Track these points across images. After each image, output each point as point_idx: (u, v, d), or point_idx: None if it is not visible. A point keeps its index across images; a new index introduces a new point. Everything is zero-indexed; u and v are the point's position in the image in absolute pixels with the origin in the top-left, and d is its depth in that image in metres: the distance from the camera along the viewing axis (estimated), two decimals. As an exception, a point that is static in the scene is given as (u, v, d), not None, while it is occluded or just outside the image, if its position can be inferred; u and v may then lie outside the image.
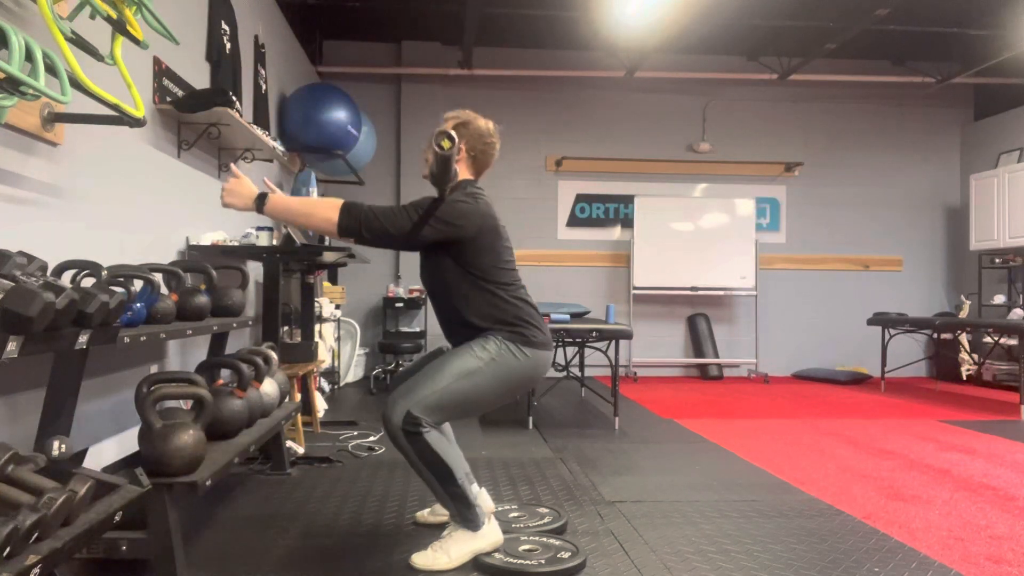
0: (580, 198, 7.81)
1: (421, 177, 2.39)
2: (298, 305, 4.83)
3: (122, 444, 2.88)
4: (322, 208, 2.28)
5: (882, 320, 6.87)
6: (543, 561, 2.30)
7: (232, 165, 2.62)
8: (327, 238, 6.49)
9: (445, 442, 2.31)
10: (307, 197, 2.38)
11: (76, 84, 2.07)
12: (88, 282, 1.97)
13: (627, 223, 7.72)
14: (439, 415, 2.28)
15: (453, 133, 2.16)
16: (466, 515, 2.33)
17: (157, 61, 3.26)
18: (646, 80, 7.48)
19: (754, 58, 7.53)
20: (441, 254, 2.37)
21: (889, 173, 8.06)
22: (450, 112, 2.55)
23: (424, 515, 2.75)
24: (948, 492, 3.30)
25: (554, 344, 4.72)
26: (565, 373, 5.21)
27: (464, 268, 2.35)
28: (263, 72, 5.10)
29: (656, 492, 3.22)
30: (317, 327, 5.05)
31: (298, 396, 4.13)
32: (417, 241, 2.31)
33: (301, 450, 3.76)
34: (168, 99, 3.34)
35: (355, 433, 4.38)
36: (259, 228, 3.97)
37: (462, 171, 2.48)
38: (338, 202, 2.27)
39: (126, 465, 2.21)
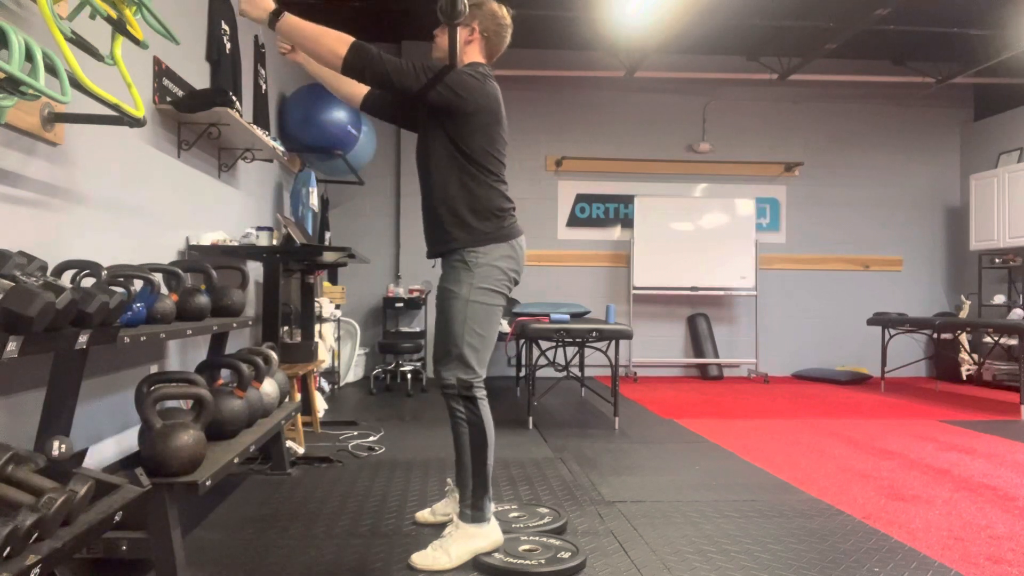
0: (580, 198, 7.81)
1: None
2: (298, 305, 4.83)
3: (122, 444, 2.88)
4: (332, 39, 2.25)
5: (882, 320, 6.87)
6: (543, 561, 2.30)
7: None
8: (326, 239, 6.50)
9: (491, 419, 2.41)
10: (320, 26, 2.33)
11: (76, 84, 2.07)
12: (88, 282, 1.98)
13: (627, 223, 7.72)
14: (476, 359, 2.37)
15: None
16: (479, 503, 2.35)
17: (157, 61, 3.26)
18: (646, 80, 7.49)
19: (754, 58, 7.53)
20: (437, 126, 2.37)
21: (889, 173, 8.06)
22: None
23: (424, 515, 2.75)
24: (948, 492, 3.30)
25: (547, 340, 4.75)
26: (565, 373, 5.21)
27: (456, 145, 2.35)
28: (263, 72, 5.10)
29: (656, 492, 3.22)
30: (317, 327, 5.05)
31: (298, 396, 4.13)
32: (416, 98, 2.30)
33: (301, 450, 3.76)
34: (168, 99, 3.34)
35: (355, 433, 4.38)
36: (259, 228, 3.97)
37: (474, 52, 2.48)
38: (349, 38, 2.25)
39: (126, 465, 2.21)
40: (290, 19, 2.28)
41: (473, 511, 2.35)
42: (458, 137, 2.34)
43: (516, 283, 2.49)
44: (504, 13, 2.51)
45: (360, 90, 2.67)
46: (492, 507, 2.41)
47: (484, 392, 2.41)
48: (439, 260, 2.46)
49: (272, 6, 2.29)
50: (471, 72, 2.36)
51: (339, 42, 2.24)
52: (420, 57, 2.39)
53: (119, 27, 2.26)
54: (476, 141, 2.35)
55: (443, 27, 2.35)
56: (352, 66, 2.23)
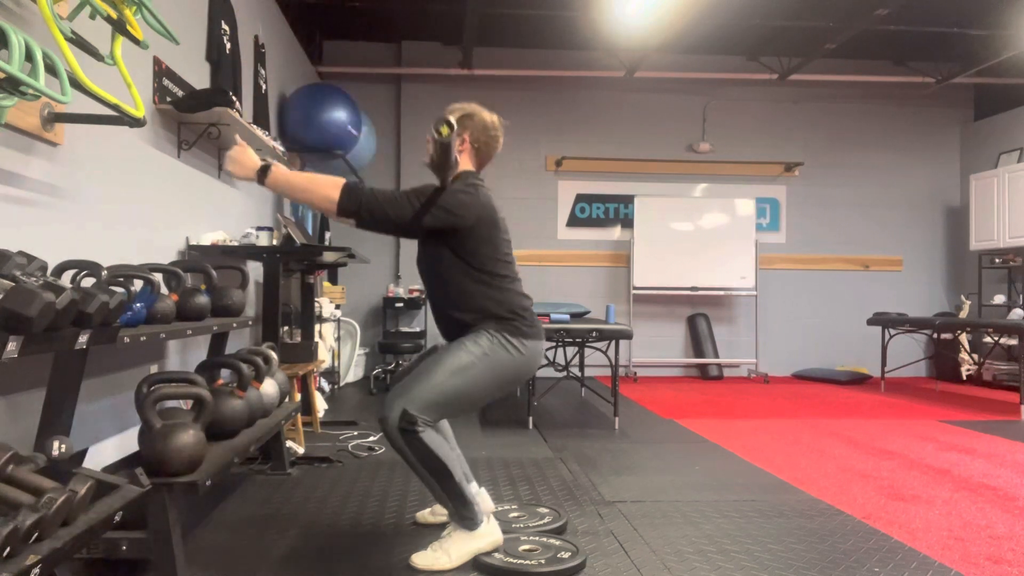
0: (580, 198, 7.81)
1: (423, 165, 2.39)
2: (298, 305, 4.83)
3: (122, 444, 2.88)
4: (323, 186, 2.25)
5: (882, 320, 6.87)
6: (543, 561, 2.30)
7: (237, 136, 2.61)
8: (326, 239, 6.50)
9: (441, 441, 2.30)
10: (309, 173, 2.33)
11: (76, 84, 2.07)
12: (88, 282, 1.97)
13: (627, 223, 7.72)
14: (435, 412, 2.28)
15: (452, 120, 2.17)
16: (463, 514, 2.33)
17: (157, 61, 3.26)
18: (646, 80, 7.48)
19: (754, 58, 7.53)
20: (439, 243, 2.37)
21: (889, 173, 8.06)
22: (456, 104, 2.54)
23: (424, 515, 2.75)
24: (948, 492, 3.30)
25: (547, 340, 4.72)
26: (565, 373, 5.21)
27: (461, 258, 2.35)
28: (263, 72, 5.10)
29: (656, 492, 3.22)
30: (317, 327, 5.05)
31: (298, 396, 4.13)
32: (416, 228, 2.31)
33: (301, 450, 3.76)
34: (168, 99, 3.34)
35: (355, 433, 4.38)
36: (259, 228, 3.97)
37: (464, 162, 2.48)
38: (340, 181, 2.26)
39: (126, 465, 2.21)
40: (278, 174, 2.28)
41: (462, 521, 2.34)
42: (463, 252, 2.35)
43: (514, 384, 2.48)
44: (496, 123, 2.52)
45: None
46: (481, 508, 2.38)
47: (425, 428, 2.26)
48: None
49: (258, 164, 2.29)
50: (463, 189, 2.35)
51: (331, 188, 2.25)
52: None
53: (119, 27, 2.26)
54: (481, 252, 2.36)
55: (433, 137, 2.36)
56: (346, 209, 2.24)
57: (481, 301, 2.36)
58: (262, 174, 2.27)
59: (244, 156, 2.30)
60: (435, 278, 2.44)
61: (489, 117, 2.51)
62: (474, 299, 2.36)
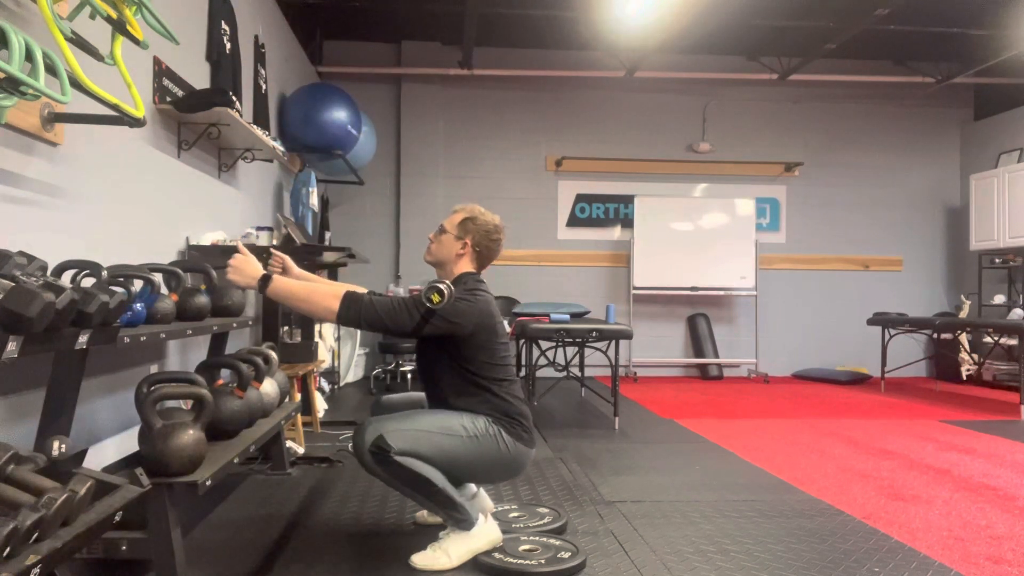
0: (580, 198, 7.81)
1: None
2: (298, 305, 4.82)
3: (122, 444, 2.88)
4: (323, 297, 2.30)
5: (882, 320, 6.87)
6: (543, 561, 2.30)
7: (239, 243, 2.63)
8: (326, 239, 6.50)
9: (414, 456, 2.25)
10: (309, 283, 2.37)
11: (76, 84, 2.07)
12: (88, 282, 1.97)
13: (627, 223, 7.71)
14: (409, 453, 2.24)
15: (444, 289, 2.24)
16: (455, 516, 2.34)
17: (157, 61, 3.26)
18: (646, 80, 7.48)
19: (754, 58, 7.53)
20: (438, 347, 2.41)
21: (889, 173, 8.06)
22: (459, 205, 2.58)
23: (424, 515, 2.75)
24: (948, 492, 3.30)
25: (547, 340, 4.73)
26: (565, 373, 5.21)
27: (459, 363, 2.39)
28: (263, 72, 5.10)
29: (656, 492, 3.22)
30: (317, 327, 5.05)
31: (298, 396, 4.13)
32: (413, 336, 2.36)
33: (301, 450, 3.76)
34: (168, 99, 3.34)
35: (355, 433, 4.38)
36: (259, 228, 3.97)
37: (465, 264, 2.52)
38: (339, 291, 2.30)
39: (126, 465, 2.21)
40: (279, 284, 2.31)
41: (457, 524, 2.35)
42: (461, 359, 2.38)
43: (490, 476, 2.53)
44: (498, 227, 2.53)
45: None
46: (473, 507, 2.38)
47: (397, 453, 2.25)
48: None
49: (260, 272, 2.32)
50: (462, 296, 2.36)
51: (330, 297, 2.29)
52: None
53: (119, 27, 2.26)
54: (479, 358, 2.39)
55: (436, 234, 2.50)
56: (346, 318, 2.28)
57: (479, 403, 2.38)
58: (263, 283, 2.29)
59: (246, 265, 2.32)
60: (435, 379, 2.48)
61: (491, 220, 2.52)
62: (472, 401, 2.39)
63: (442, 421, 2.33)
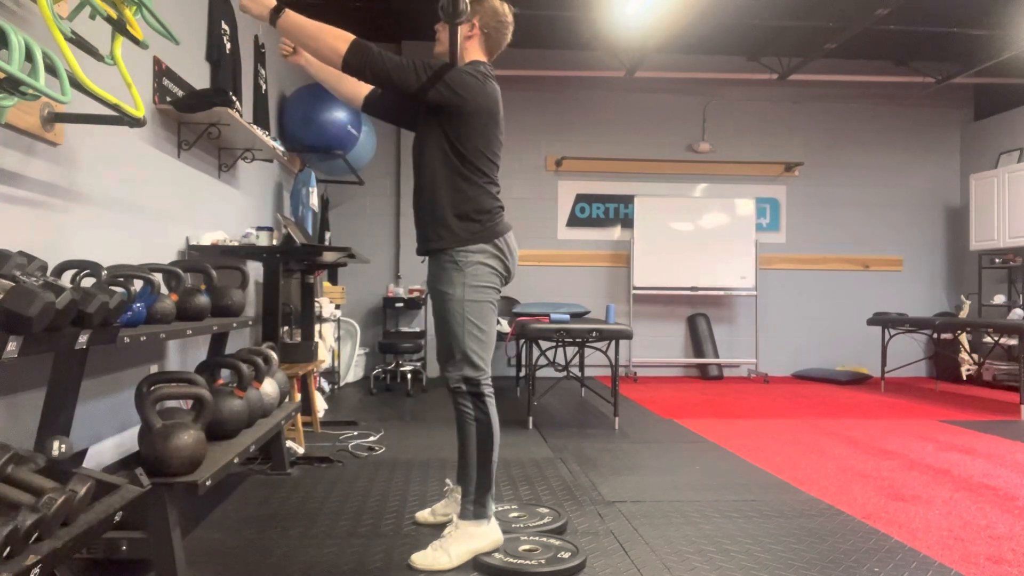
0: (580, 198, 7.81)
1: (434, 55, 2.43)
2: (298, 305, 4.83)
3: (122, 444, 2.88)
4: (332, 36, 2.26)
5: (882, 320, 6.87)
6: (543, 561, 2.30)
7: None
8: (326, 239, 6.50)
9: (496, 418, 2.42)
10: (320, 23, 2.33)
11: (76, 84, 2.07)
12: (88, 282, 1.98)
13: (627, 223, 7.72)
14: (480, 356, 2.38)
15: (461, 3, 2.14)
16: (482, 500, 2.36)
17: (157, 61, 3.26)
18: (646, 80, 7.48)
19: (754, 58, 7.53)
20: (435, 125, 2.37)
21: (889, 173, 8.06)
22: None
23: (424, 515, 2.75)
24: (948, 492, 3.30)
25: (547, 340, 4.74)
26: (565, 373, 5.21)
27: (451, 144, 2.35)
28: (263, 72, 5.10)
29: (656, 492, 3.22)
30: (317, 327, 5.05)
31: (298, 396, 4.13)
32: (415, 96, 2.30)
33: (301, 450, 3.76)
34: (168, 99, 3.34)
35: (355, 433, 4.38)
36: (259, 228, 3.97)
37: (474, 49, 2.48)
38: (350, 36, 2.25)
39: (126, 465, 2.21)
40: (291, 16, 2.28)
41: (476, 507, 2.36)
42: (455, 136, 2.35)
43: (507, 279, 2.49)
44: (506, 10, 2.51)
45: (361, 90, 2.66)
46: (494, 507, 2.41)
47: (492, 390, 2.42)
48: (428, 258, 2.48)
49: (273, 2, 2.29)
50: (471, 71, 2.36)
51: (339, 39, 2.25)
52: (420, 56, 2.39)
53: (119, 27, 2.26)
54: (472, 141, 2.35)
55: (444, 24, 2.36)
56: (352, 64, 2.24)
57: (449, 205, 2.35)
58: (275, 14, 2.26)
59: None
60: (421, 166, 2.43)
61: (499, 3, 2.50)
62: (444, 200, 2.35)
63: (448, 316, 2.38)
